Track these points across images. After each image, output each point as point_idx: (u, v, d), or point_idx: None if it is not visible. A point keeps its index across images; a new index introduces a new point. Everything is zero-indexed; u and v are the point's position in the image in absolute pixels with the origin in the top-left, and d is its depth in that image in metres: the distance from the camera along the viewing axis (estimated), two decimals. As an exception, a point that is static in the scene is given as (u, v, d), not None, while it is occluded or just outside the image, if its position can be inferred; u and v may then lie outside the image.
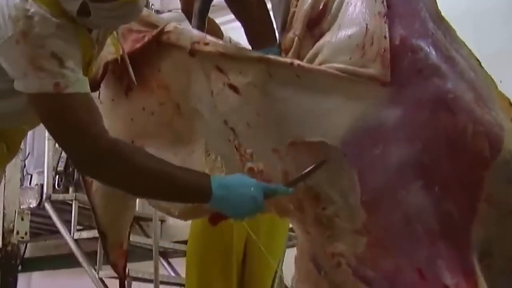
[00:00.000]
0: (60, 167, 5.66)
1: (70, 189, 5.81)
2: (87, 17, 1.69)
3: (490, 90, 1.73)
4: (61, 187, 5.72)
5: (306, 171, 1.74)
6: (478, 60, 1.77)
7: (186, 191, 1.72)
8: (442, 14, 1.80)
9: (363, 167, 1.63)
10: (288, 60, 1.81)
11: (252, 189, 1.70)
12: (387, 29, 1.66)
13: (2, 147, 2.01)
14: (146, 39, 2.07)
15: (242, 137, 1.92)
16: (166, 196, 1.80)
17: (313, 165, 1.73)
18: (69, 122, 1.66)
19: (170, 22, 2.07)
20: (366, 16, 1.71)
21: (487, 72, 1.75)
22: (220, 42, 1.99)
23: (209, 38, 1.98)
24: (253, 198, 1.69)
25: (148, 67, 2.12)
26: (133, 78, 2.07)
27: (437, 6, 1.79)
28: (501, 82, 1.92)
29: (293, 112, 1.78)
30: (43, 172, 5.34)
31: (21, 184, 5.33)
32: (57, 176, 5.54)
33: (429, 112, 1.60)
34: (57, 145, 5.61)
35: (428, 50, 1.65)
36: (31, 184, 5.45)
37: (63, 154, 5.73)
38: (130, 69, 2.07)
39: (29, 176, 5.57)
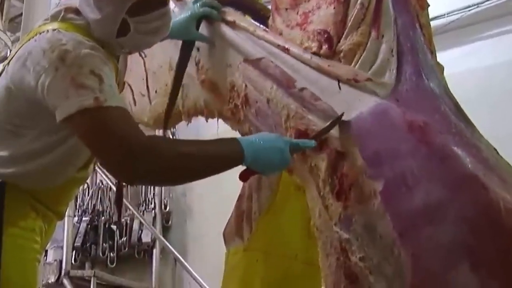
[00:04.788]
0: (77, 243, 5.71)
1: (87, 265, 5.84)
2: (125, 37, 1.84)
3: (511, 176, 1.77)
4: (78, 262, 5.76)
5: (326, 125, 1.80)
6: (496, 150, 1.87)
7: (224, 161, 1.78)
8: (459, 97, 1.91)
9: (417, 250, 1.67)
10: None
11: (277, 140, 1.78)
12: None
13: (52, 219, 2.02)
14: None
15: (203, 54, 2.27)
16: (208, 172, 1.80)
17: (333, 120, 1.79)
18: (110, 132, 1.68)
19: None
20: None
21: (506, 161, 1.84)
22: None
23: None
24: (280, 150, 1.76)
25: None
26: None
27: (456, 101, 1.85)
28: (516, 164, 1.96)
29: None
30: (59, 247, 5.40)
31: (37, 260, 5.34)
32: (73, 252, 5.57)
33: (469, 190, 1.65)
34: (75, 221, 5.71)
35: (454, 136, 1.74)
36: (47, 260, 5.48)
37: (81, 229, 5.80)
38: None
39: (44, 251, 5.57)
